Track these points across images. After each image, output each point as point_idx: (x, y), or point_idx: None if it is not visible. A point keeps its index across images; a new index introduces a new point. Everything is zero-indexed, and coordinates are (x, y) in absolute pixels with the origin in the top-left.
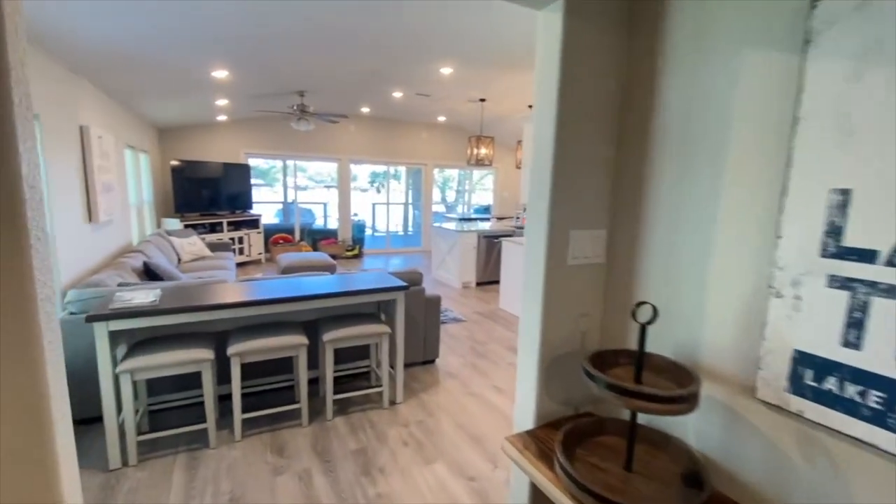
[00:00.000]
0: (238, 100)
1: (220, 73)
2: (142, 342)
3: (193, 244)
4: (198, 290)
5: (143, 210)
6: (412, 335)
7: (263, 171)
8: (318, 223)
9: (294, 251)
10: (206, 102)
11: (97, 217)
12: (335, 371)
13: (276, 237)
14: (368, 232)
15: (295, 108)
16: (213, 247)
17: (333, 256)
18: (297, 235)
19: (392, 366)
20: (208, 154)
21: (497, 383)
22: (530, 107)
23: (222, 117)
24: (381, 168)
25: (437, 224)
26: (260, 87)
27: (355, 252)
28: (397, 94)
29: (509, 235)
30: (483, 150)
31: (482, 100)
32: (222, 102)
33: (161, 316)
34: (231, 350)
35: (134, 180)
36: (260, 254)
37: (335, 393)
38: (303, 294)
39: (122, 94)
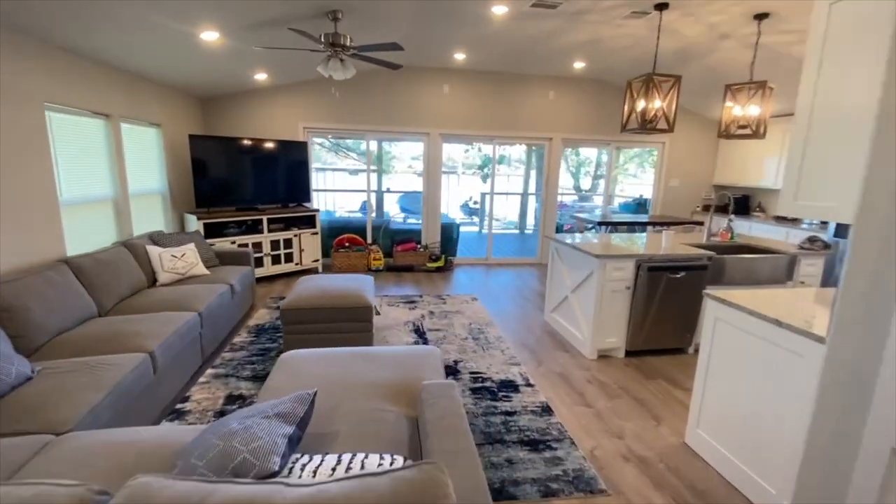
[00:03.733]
0: (232, 26)
1: None
2: None
3: (179, 257)
4: None
5: (128, 205)
6: None
7: (378, 157)
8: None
9: (359, 259)
10: (180, 34)
11: None
12: None
13: (342, 238)
14: (474, 229)
15: (321, 39)
16: (224, 257)
17: (410, 268)
18: (369, 236)
19: None
20: (262, 130)
21: None
22: (760, 18)
23: (261, 76)
24: (485, 147)
25: (559, 237)
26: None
27: (440, 263)
28: (499, 9)
29: (700, 267)
30: (656, 103)
31: (661, 6)
32: (211, 36)
33: None
34: None
35: (108, 163)
36: (316, 261)
37: None
38: None
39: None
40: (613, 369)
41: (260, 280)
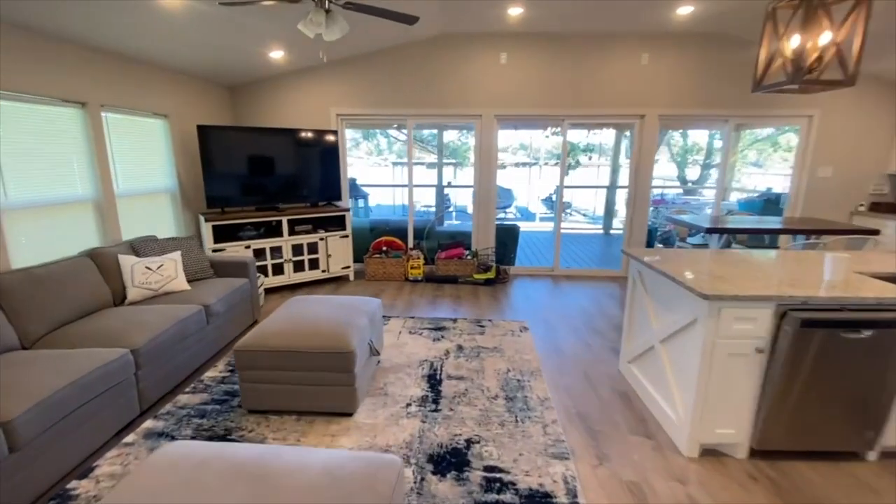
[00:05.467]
0: None
1: None
2: None
3: (154, 269)
4: None
5: (114, 207)
6: None
7: (455, 148)
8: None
9: (395, 267)
10: None
11: None
12: None
13: (379, 242)
14: (547, 228)
15: None
16: (220, 267)
17: (453, 279)
18: (411, 239)
19: None
20: (292, 119)
21: None
22: None
23: (276, 54)
24: (557, 129)
25: (641, 254)
26: None
27: (490, 275)
28: None
29: None
30: (823, 37)
31: None
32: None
33: None
34: None
35: (87, 158)
36: (346, 268)
37: None
38: None
39: None
40: (727, 482)
41: (280, 289)
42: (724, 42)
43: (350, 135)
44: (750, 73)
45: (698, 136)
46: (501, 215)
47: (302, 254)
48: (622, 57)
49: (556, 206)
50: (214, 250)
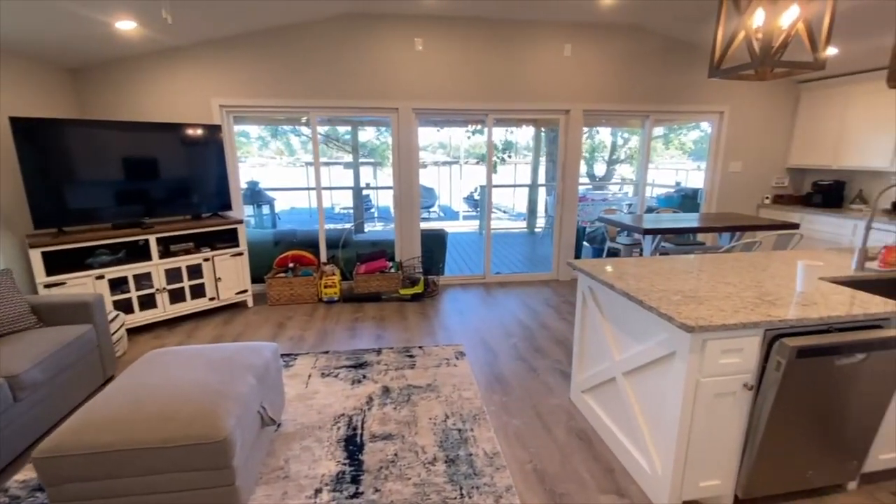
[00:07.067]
0: None
1: None
2: None
3: None
4: None
5: None
6: None
7: (373, 147)
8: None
9: (304, 287)
10: None
11: None
12: None
13: (285, 257)
14: (471, 228)
15: None
16: (50, 312)
17: (376, 297)
18: (324, 252)
19: None
20: (162, 111)
21: None
22: None
23: (127, 24)
24: (480, 126)
25: (594, 269)
26: None
27: (418, 289)
28: None
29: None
30: (789, 12)
31: None
32: None
33: None
34: None
35: None
36: (243, 292)
37: None
38: None
39: None
40: None
41: (153, 327)
42: (648, 37)
43: (256, 132)
44: (667, 69)
45: (604, 134)
46: (425, 215)
47: (181, 280)
48: (545, 47)
49: (484, 208)
50: (49, 285)
